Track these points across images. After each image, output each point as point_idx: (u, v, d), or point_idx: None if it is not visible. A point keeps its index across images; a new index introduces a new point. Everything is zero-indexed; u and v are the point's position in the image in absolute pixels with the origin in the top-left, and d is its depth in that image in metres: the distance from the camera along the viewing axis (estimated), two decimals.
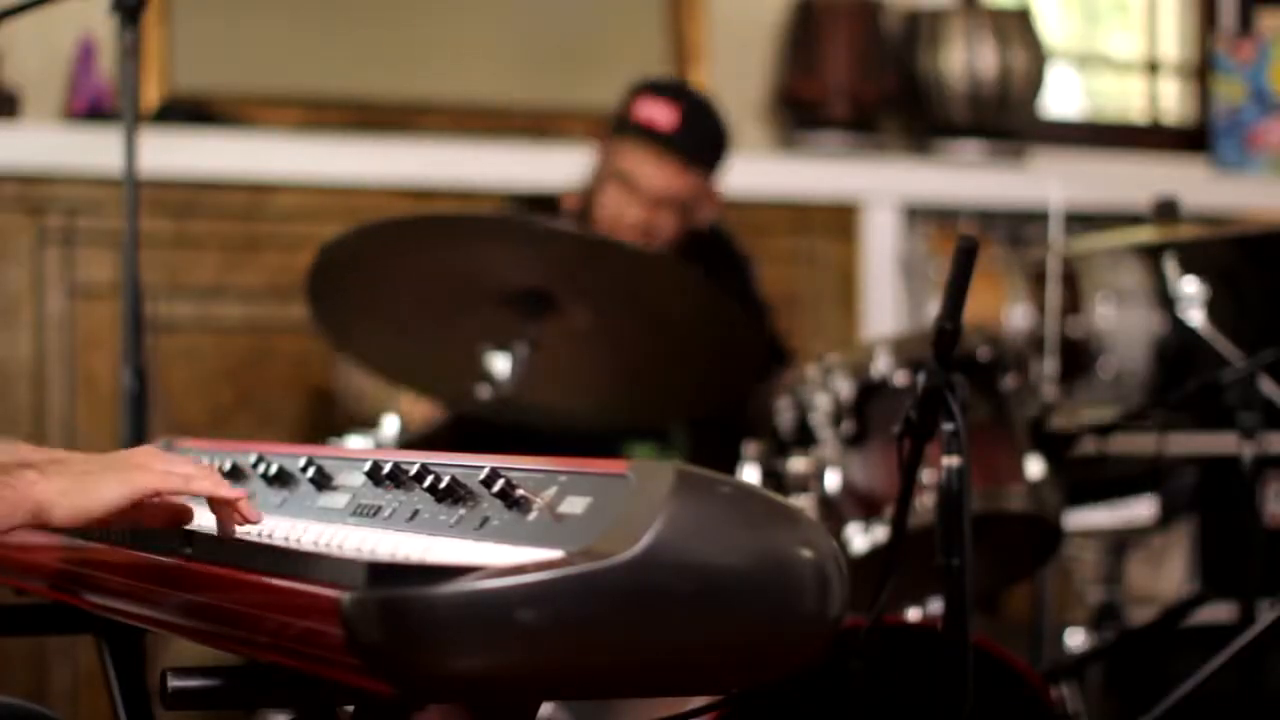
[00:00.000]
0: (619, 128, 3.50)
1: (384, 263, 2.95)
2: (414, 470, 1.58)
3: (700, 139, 3.53)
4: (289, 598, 1.36)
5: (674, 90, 3.57)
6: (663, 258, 3.18)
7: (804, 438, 2.77)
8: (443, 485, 1.54)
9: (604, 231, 3.44)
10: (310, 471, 1.74)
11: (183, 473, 1.58)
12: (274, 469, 1.80)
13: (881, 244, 4.32)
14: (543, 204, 3.68)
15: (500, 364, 2.88)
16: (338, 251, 2.95)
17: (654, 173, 3.45)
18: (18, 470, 1.52)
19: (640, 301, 2.93)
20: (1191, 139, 4.84)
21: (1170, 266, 3.00)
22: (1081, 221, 4.22)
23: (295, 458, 1.78)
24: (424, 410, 3.34)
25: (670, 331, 2.98)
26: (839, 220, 4.32)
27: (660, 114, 3.48)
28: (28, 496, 1.51)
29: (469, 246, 2.89)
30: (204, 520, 1.71)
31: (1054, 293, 3.65)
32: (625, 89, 3.56)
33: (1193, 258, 3.19)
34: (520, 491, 1.48)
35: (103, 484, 1.53)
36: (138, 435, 2.74)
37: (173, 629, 1.57)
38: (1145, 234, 3.39)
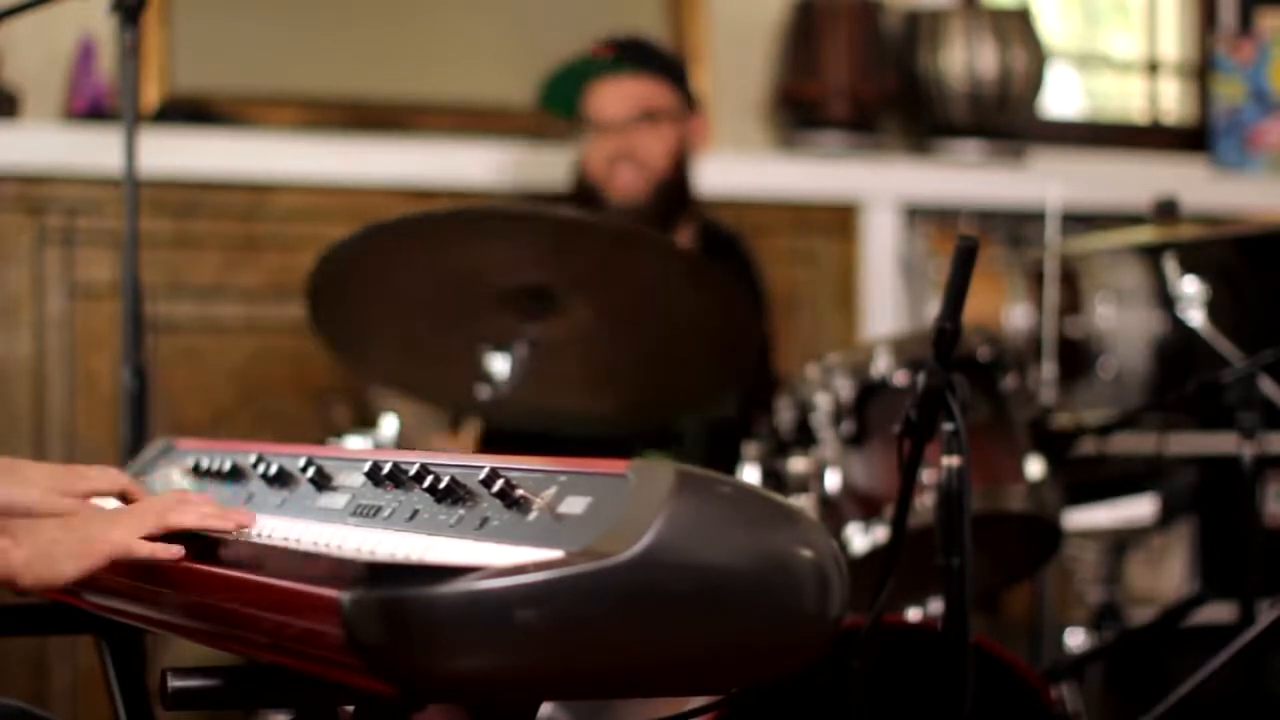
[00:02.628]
0: (557, 104, 3.65)
1: (384, 266, 2.95)
2: (414, 470, 1.58)
3: (641, 51, 3.64)
4: (289, 598, 1.36)
5: (604, 40, 3.68)
6: (656, 234, 3.19)
7: (804, 438, 2.77)
8: (442, 485, 1.54)
9: (600, 183, 3.51)
10: (310, 471, 1.74)
11: (124, 544, 1.63)
12: (274, 469, 1.80)
13: (881, 244, 4.32)
14: (550, 201, 3.70)
15: (500, 364, 2.88)
16: (338, 256, 2.95)
17: (609, 97, 3.54)
18: None
19: (639, 288, 2.92)
20: (1191, 139, 4.84)
21: (1170, 266, 3.00)
22: (1081, 221, 4.22)
23: (295, 458, 1.78)
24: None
25: (670, 320, 2.98)
26: (839, 220, 4.32)
27: (596, 52, 3.58)
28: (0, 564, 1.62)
29: (468, 244, 2.89)
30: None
31: (1052, 293, 3.66)
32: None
33: (1193, 258, 3.19)
34: (520, 491, 1.48)
35: (63, 557, 1.62)
36: (138, 435, 2.74)
37: (173, 629, 1.57)
38: (1145, 234, 3.39)
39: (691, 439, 3.48)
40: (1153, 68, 4.92)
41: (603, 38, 3.68)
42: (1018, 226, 4.34)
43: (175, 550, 1.63)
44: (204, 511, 1.65)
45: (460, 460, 1.59)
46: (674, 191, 3.59)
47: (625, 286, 2.90)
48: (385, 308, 3.05)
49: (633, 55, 3.61)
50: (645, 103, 3.56)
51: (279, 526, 1.64)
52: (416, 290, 2.97)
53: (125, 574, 1.63)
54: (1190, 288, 2.94)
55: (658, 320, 2.97)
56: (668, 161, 3.57)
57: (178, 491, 1.80)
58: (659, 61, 3.63)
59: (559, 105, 3.68)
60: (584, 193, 3.57)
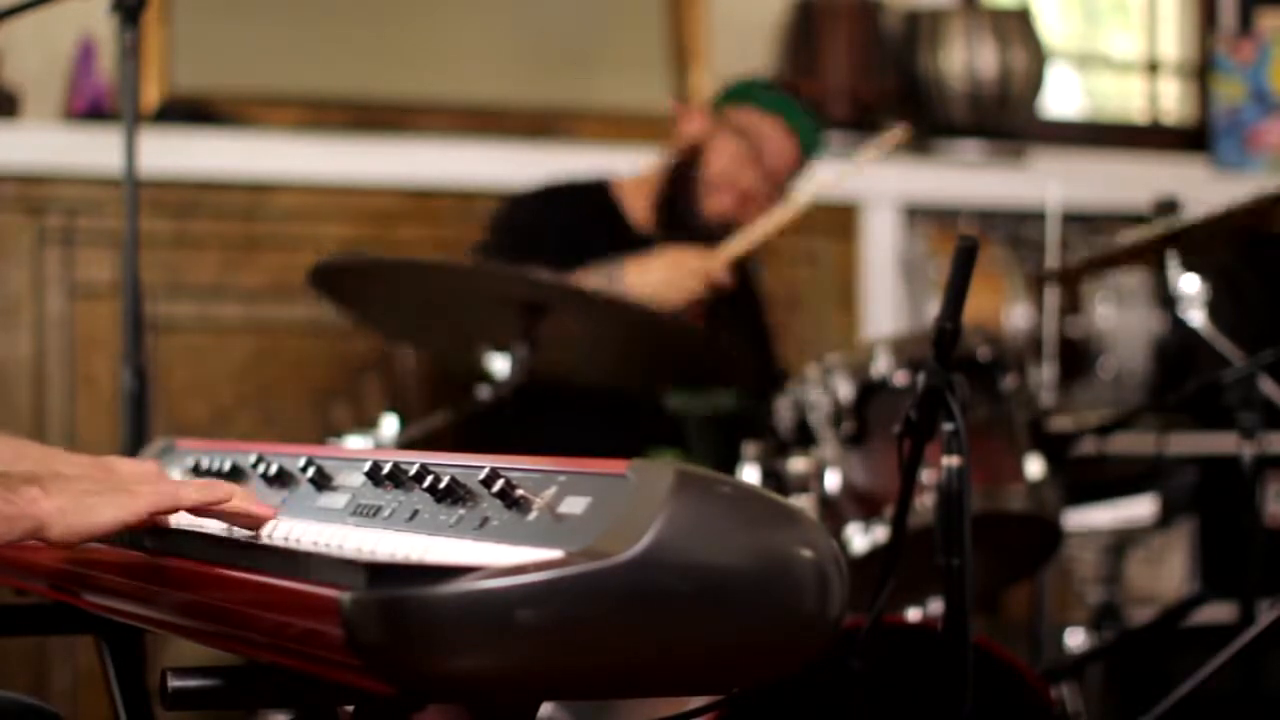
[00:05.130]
0: (748, 94, 3.60)
1: (380, 274, 2.98)
2: (414, 470, 1.58)
3: (818, 135, 3.64)
4: (289, 598, 1.36)
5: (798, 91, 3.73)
6: (644, 312, 3.20)
7: (804, 438, 2.77)
8: (442, 485, 1.54)
9: (713, 192, 3.51)
10: (310, 471, 1.74)
11: (172, 492, 1.60)
12: (274, 469, 1.80)
13: (881, 244, 4.32)
14: (586, 189, 3.69)
15: (500, 364, 2.88)
16: (333, 266, 2.97)
17: (788, 152, 3.54)
18: (22, 486, 1.55)
19: (619, 330, 2.96)
20: (1191, 139, 4.84)
21: (1171, 266, 3.00)
22: (1081, 221, 4.22)
23: (295, 458, 1.78)
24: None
25: (652, 350, 3.02)
26: (839, 220, 4.32)
27: (801, 96, 3.58)
28: (28, 514, 1.55)
29: (460, 277, 2.92)
30: (185, 519, 1.71)
31: (1053, 293, 3.66)
32: (736, 78, 3.72)
33: (1193, 257, 3.19)
34: (520, 491, 1.48)
35: (100, 507, 1.57)
36: (138, 435, 2.74)
37: (173, 629, 1.57)
38: (1145, 234, 3.38)
39: (696, 435, 3.49)
40: (1153, 68, 4.92)
41: (797, 89, 3.73)
42: (1018, 226, 4.34)
43: (225, 493, 1.61)
44: (202, 492, 1.63)
45: (460, 460, 1.59)
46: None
47: (609, 324, 2.94)
48: (384, 307, 3.07)
49: (813, 132, 3.63)
50: (790, 176, 3.59)
51: (279, 526, 1.64)
52: (413, 291, 2.99)
53: (125, 574, 1.63)
54: (1190, 288, 2.94)
55: (642, 344, 3.01)
56: (753, 222, 3.62)
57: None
58: (815, 152, 3.66)
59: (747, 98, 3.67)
60: (685, 179, 3.56)
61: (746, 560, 1.36)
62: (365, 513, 1.63)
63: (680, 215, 3.53)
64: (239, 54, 3.99)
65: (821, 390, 2.76)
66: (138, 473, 1.74)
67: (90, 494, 1.57)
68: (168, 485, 1.62)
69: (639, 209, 3.59)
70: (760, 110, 3.55)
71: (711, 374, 3.23)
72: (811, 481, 2.68)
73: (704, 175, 3.51)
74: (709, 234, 3.50)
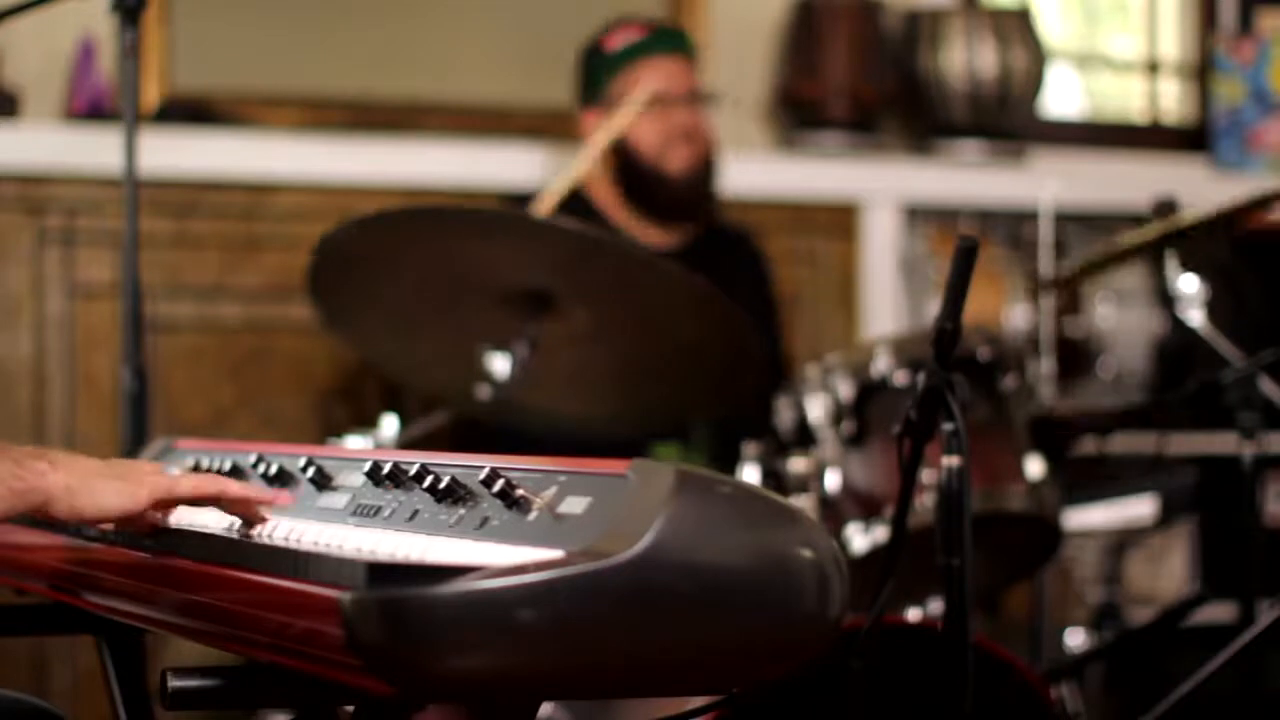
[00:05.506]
0: (610, 66, 3.64)
1: (383, 258, 2.96)
2: (414, 470, 1.58)
3: (682, 37, 3.75)
4: (289, 598, 1.36)
5: (625, 21, 3.75)
6: (658, 256, 3.19)
7: (804, 438, 2.77)
8: (443, 485, 1.54)
9: (655, 157, 3.55)
10: (310, 471, 1.74)
11: (167, 483, 1.61)
12: (274, 469, 1.80)
13: (881, 244, 4.32)
14: (567, 203, 3.70)
15: (500, 364, 2.88)
16: (337, 244, 2.96)
17: (666, 73, 3.64)
18: (29, 460, 1.57)
19: (638, 300, 2.93)
20: (1191, 139, 4.84)
21: (1170, 265, 3.00)
22: (1081, 221, 4.22)
23: (295, 458, 1.78)
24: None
25: (667, 332, 2.99)
26: (839, 220, 4.32)
27: (639, 28, 3.66)
28: (34, 487, 1.57)
29: (467, 243, 2.89)
30: (185, 518, 1.71)
31: (1052, 293, 3.66)
32: (580, 58, 3.72)
33: (1192, 257, 3.19)
34: (520, 491, 1.48)
35: (107, 493, 1.59)
36: (138, 435, 2.74)
37: (173, 629, 1.57)
38: (1145, 234, 3.38)
39: (699, 434, 3.48)
40: (1153, 68, 4.92)
41: (622, 20, 3.73)
42: (1018, 226, 4.34)
43: (219, 489, 1.62)
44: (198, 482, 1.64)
45: (460, 460, 1.59)
46: (712, 177, 3.70)
47: (618, 291, 2.91)
48: (385, 302, 3.06)
49: (678, 38, 3.70)
50: (696, 84, 3.66)
51: (279, 526, 1.64)
52: (415, 285, 2.98)
53: (125, 574, 1.63)
54: (1190, 287, 2.94)
55: (651, 326, 2.98)
56: (713, 145, 3.68)
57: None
58: (693, 50, 3.74)
59: (598, 86, 3.69)
60: (633, 171, 3.60)
61: (746, 560, 1.36)
62: (365, 513, 1.63)
63: (656, 196, 3.61)
64: (239, 54, 3.99)
65: (821, 390, 2.76)
66: (152, 466, 1.75)
67: (100, 477, 1.59)
68: (164, 478, 1.63)
69: (613, 206, 3.63)
70: (625, 70, 3.60)
71: (727, 372, 3.20)
72: (811, 481, 2.69)
73: (644, 153, 3.58)
74: (691, 187, 3.57)
